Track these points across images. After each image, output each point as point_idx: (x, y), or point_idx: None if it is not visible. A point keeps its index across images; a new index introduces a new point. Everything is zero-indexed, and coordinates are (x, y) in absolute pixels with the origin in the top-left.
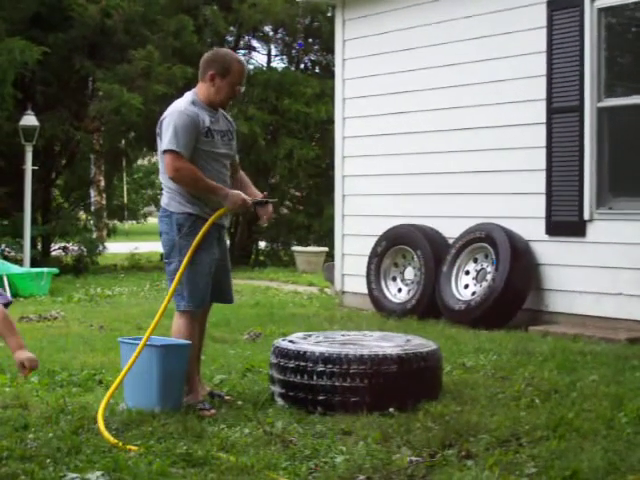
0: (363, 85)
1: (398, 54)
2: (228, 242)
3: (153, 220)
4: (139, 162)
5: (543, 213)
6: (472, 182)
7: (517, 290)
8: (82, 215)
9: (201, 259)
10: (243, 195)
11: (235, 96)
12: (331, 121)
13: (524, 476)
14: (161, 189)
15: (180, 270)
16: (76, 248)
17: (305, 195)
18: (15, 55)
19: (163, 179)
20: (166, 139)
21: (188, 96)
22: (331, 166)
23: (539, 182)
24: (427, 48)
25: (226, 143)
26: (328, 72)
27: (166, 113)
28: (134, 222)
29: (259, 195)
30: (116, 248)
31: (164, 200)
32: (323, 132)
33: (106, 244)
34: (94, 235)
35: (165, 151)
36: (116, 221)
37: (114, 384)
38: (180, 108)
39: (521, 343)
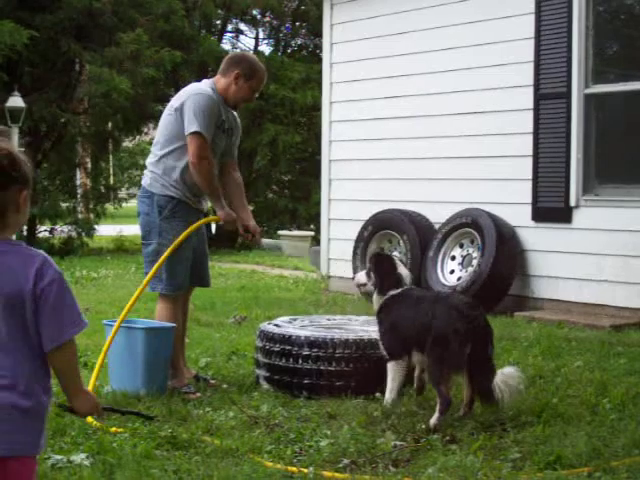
0: (351, 69)
1: (386, 38)
2: (214, 226)
3: (134, 202)
4: (125, 144)
5: (529, 199)
6: (459, 167)
7: (502, 276)
8: (69, 197)
9: (184, 244)
10: (235, 216)
11: (250, 101)
12: (317, 106)
13: (508, 461)
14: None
15: (164, 255)
16: (65, 230)
17: (291, 179)
18: (5, 38)
19: (153, 157)
20: (193, 120)
21: (207, 85)
22: (318, 151)
23: (526, 168)
24: (415, 33)
25: (225, 139)
26: (315, 56)
27: (190, 91)
28: (117, 205)
29: (246, 211)
30: (101, 231)
31: (146, 181)
32: (310, 117)
33: (95, 226)
34: (79, 217)
35: (193, 133)
36: (106, 204)
37: (96, 368)
38: (209, 93)
39: (506, 329)
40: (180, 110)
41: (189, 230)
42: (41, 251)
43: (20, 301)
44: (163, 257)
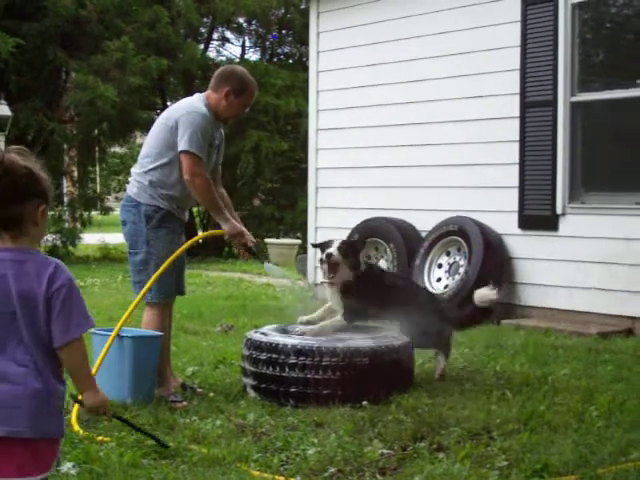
0: (337, 78)
1: (372, 47)
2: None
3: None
4: (116, 149)
5: (516, 207)
6: (445, 175)
7: (489, 283)
8: (55, 206)
9: (170, 253)
10: (241, 229)
11: (241, 116)
12: (301, 114)
13: (495, 469)
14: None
15: (164, 266)
16: (50, 239)
17: (277, 187)
18: None
19: (141, 168)
20: (187, 139)
21: (201, 101)
22: (304, 158)
23: (512, 176)
24: (401, 41)
25: (214, 156)
26: (301, 64)
27: (184, 108)
28: (104, 213)
29: (237, 218)
30: (87, 239)
31: (133, 190)
32: (295, 124)
33: (80, 235)
34: (66, 225)
35: (186, 152)
36: (92, 212)
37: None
38: (203, 111)
39: (493, 336)
40: (174, 127)
41: (190, 242)
42: (55, 259)
43: (34, 303)
44: (163, 267)
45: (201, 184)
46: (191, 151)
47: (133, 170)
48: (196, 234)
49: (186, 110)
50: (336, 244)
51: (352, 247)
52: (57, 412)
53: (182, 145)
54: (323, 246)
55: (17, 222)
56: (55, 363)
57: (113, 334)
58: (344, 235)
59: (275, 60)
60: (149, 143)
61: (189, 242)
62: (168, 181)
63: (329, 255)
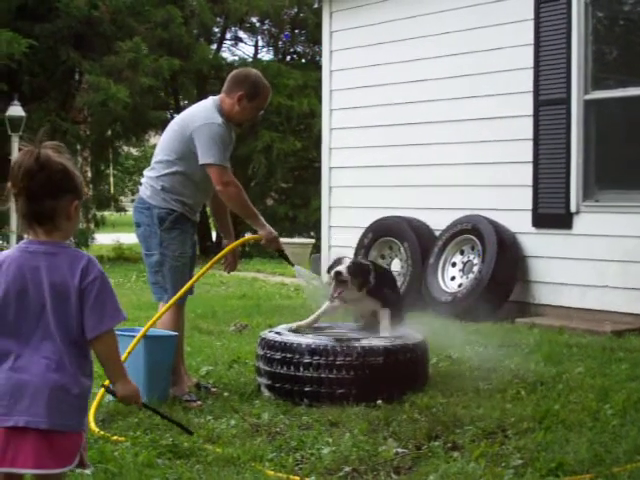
0: (350, 77)
1: (385, 46)
2: (214, 234)
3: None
4: (132, 151)
5: (530, 205)
6: (459, 174)
7: (503, 282)
8: None
9: (184, 254)
10: (276, 234)
11: (255, 120)
12: (314, 113)
13: (510, 467)
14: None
15: (196, 277)
16: None
17: (290, 186)
18: (2, 47)
19: (155, 172)
20: (210, 152)
21: (215, 107)
22: (317, 157)
23: (526, 174)
24: (414, 40)
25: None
26: (314, 63)
27: (201, 118)
28: (120, 213)
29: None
30: (101, 239)
31: (145, 192)
32: (307, 124)
33: (94, 235)
34: (80, 226)
35: (211, 165)
36: (105, 212)
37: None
38: (219, 122)
39: (507, 335)
40: (190, 138)
41: (229, 248)
42: (86, 252)
43: (67, 295)
44: (199, 274)
45: (234, 193)
46: (217, 163)
47: (146, 173)
48: (210, 234)
49: (202, 122)
50: (346, 262)
51: (362, 268)
52: (78, 406)
53: (205, 159)
54: (333, 264)
55: (50, 217)
56: (81, 356)
57: (138, 336)
58: (357, 234)
59: (288, 59)
60: (162, 148)
61: (228, 248)
62: (179, 188)
63: (338, 273)
